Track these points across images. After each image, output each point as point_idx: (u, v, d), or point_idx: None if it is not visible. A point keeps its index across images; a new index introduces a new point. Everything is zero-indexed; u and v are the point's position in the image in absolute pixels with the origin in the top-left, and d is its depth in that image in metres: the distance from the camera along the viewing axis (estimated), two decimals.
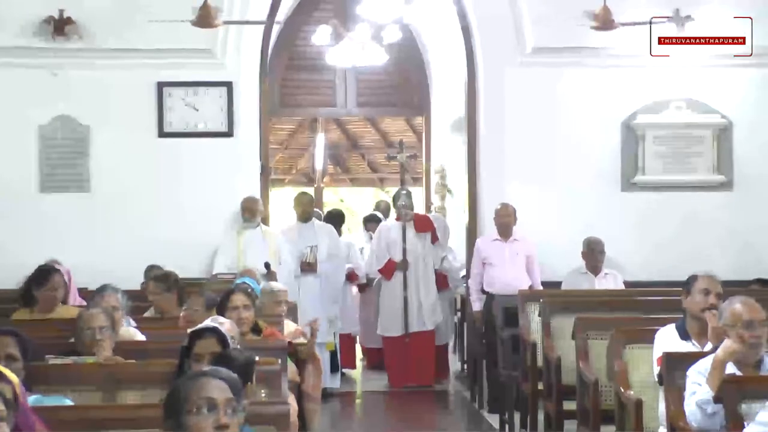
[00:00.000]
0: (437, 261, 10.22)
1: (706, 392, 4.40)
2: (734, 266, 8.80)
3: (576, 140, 9.44)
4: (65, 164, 9.30)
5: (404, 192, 10.27)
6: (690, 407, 4.48)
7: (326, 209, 12.70)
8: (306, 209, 9.96)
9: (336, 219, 10.88)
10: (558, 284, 8.89)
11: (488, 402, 8.96)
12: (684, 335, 5.22)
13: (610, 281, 8.89)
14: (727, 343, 4.47)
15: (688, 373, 4.61)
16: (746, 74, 9.50)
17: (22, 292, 6.75)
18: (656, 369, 5.18)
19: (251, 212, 9.12)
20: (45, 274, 6.69)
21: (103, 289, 6.14)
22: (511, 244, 9.02)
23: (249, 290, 6.41)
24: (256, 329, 6.03)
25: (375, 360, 11.05)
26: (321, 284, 9.65)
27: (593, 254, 8.87)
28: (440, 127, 13.74)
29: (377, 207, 12.97)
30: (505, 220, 9.01)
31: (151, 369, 4.82)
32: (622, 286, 8.87)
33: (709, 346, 4.85)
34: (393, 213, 10.67)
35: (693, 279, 5.33)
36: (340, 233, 10.56)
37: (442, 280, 10.31)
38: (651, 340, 5.37)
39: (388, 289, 10.08)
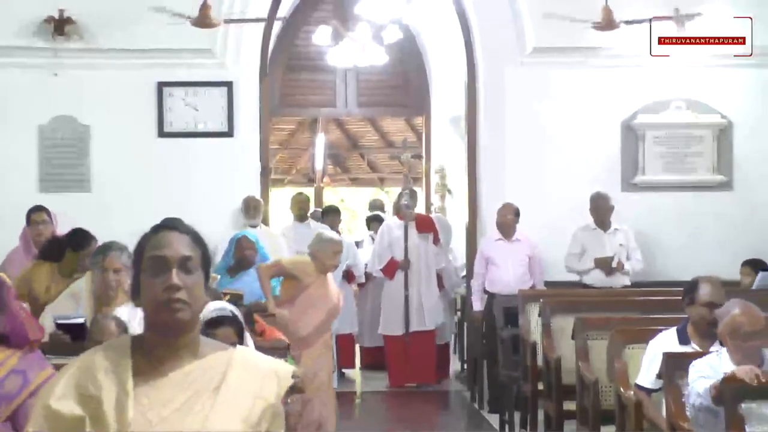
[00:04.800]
0: (438, 262, 10.22)
1: (707, 388, 4.37)
2: (734, 266, 8.79)
3: (576, 140, 9.44)
4: (65, 164, 9.31)
5: (407, 191, 10.27)
6: (691, 397, 4.46)
7: None
8: (302, 210, 9.97)
9: (332, 215, 10.89)
10: (558, 284, 8.89)
11: (488, 402, 8.97)
12: (684, 340, 5.11)
13: (620, 237, 8.91)
14: (743, 370, 4.27)
15: (693, 363, 4.55)
16: (746, 74, 9.51)
17: (52, 246, 6.69)
18: (646, 375, 5.14)
19: (256, 209, 9.16)
20: (86, 237, 6.65)
21: (108, 248, 5.82)
22: (514, 244, 9.03)
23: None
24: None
25: (372, 359, 11.05)
26: None
27: (599, 210, 8.92)
28: (440, 127, 13.74)
29: (371, 206, 12.97)
30: (507, 219, 9.01)
31: None
32: (633, 241, 8.92)
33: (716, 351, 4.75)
34: (389, 211, 10.67)
35: (695, 286, 5.12)
36: (338, 231, 10.56)
37: (438, 281, 10.31)
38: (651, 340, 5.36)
39: (389, 288, 10.08)
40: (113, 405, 2.37)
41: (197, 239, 2.54)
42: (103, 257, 5.74)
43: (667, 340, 5.17)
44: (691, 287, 5.14)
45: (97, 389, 2.38)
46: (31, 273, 6.61)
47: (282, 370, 2.51)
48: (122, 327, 5.18)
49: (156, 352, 2.44)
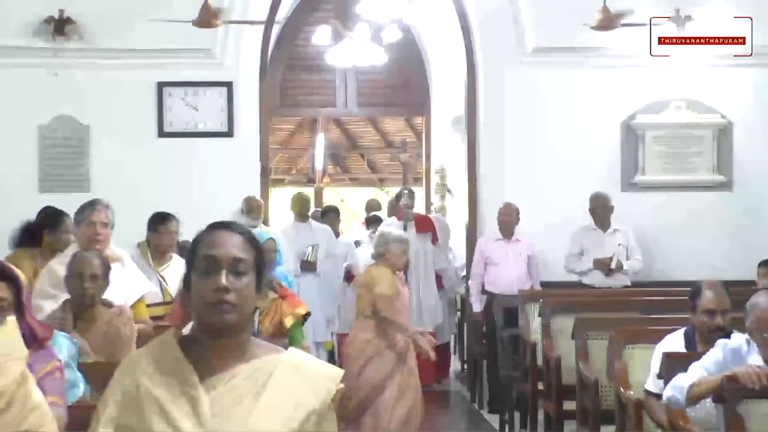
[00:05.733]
0: (437, 262, 10.22)
1: (688, 379, 4.34)
2: (734, 266, 8.80)
3: (576, 140, 9.44)
4: (65, 164, 9.30)
5: (406, 191, 10.27)
6: (671, 386, 4.44)
7: None
8: (303, 209, 9.98)
9: (332, 214, 10.89)
10: (558, 284, 8.89)
11: (488, 402, 8.97)
12: (691, 345, 5.03)
13: (619, 237, 8.92)
14: (749, 371, 4.18)
15: (718, 343, 4.48)
16: (746, 74, 9.51)
17: (27, 231, 6.61)
18: (656, 380, 5.05)
19: (258, 211, 9.15)
20: (59, 214, 6.57)
21: (93, 204, 5.79)
22: (514, 244, 9.03)
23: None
24: (270, 286, 5.97)
25: None
26: (319, 284, 9.65)
27: (598, 210, 8.93)
28: (440, 127, 13.74)
29: (368, 207, 12.97)
30: (507, 219, 9.01)
31: None
32: (633, 241, 8.92)
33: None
34: (386, 210, 10.66)
35: (697, 293, 4.99)
36: (337, 231, 10.57)
37: (437, 281, 10.31)
38: (651, 340, 5.33)
39: None
40: (184, 402, 2.34)
41: (251, 241, 2.51)
42: (90, 211, 5.72)
43: (674, 344, 5.10)
44: (693, 293, 5.03)
45: (156, 394, 2.36)
46: (13, 261, 6.54)
47: (331, 375, 2.47)
48: (106, 264, 5.06)
49: (204, 353, 2.42)
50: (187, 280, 2.48)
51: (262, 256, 2.52)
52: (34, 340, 3.47)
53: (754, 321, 4.41)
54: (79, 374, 4.08)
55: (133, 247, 6.84)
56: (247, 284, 2.43)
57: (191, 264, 2.48)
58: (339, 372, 2.49)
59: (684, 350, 5.02)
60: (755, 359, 4.41)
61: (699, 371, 4.42)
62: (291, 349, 2.52)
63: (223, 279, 2.40)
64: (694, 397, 4.36)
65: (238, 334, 2.43)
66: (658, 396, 5.05)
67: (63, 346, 4.10)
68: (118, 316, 5.01)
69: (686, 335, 5.10)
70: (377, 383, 6.83)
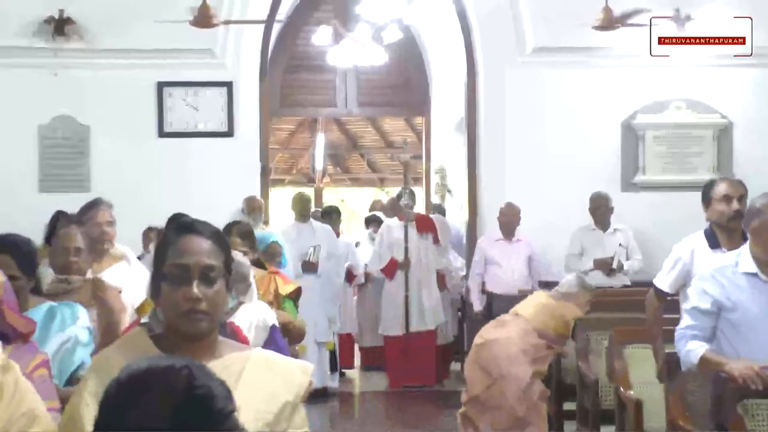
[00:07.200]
0: (439, 262, 10.22)
1: (697, 352, 4.28)
2: None
3: (576, 140, 9.44)
4: (65, 164, 9.31)
5: (407, 191, 10.27)
6: (680, 340, 4.35)
7: None
8: (304, 209, 9.97)
9: (332, 215, 10.88)
10: (557, 284, 8.87)
11: None
12: (714, 243, 4.90)
13: (619, 237, 8.93)
14: (747, 372, 4.10)
15: (713, 273, 4.29)
16: (746, 74, 9.51)
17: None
18: (666, 277, 5.03)
19: (259, 211, 9.16)
20: (67, 215, 6.57)
21: (97, 204, 5.75)
22: (514, 245, 9.04)
23: (247, 230, 6.16)
24: (259, 264, 5.97)
25: (371, 360, 11.04)
26: (320, 284, 9.65)
27: (599, 210, 8.93)
28: (440, 127, 13.74)
29: (372, 208, 12.97)
30: (510, 219, 9.04)
31: None
32: (633, 242, 8.94)
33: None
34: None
35: (710, 186, 4.94)
36: (338, 231, 10.56)
37: (440, 281, 10.31)
38: (651, 340, 5.34)
39: (389, 289, 10.08)
40: None
41: (220, 242, 2.48)
42: (95, 211, 5.68)
43: (695, 244, 4.97)
44: (706, 188, 4.96)
45: None
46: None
47: (303, 368, 2.48)
48: (91, 239, 5.04)
49: (175, 351, 2.40)
50: (154, 286, 2.45)
51: (230, 256, 2.50)
52: (18, 336, 3.46)
53: (758, 223, 4.18)
54: (92, 346, 4.05)
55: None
56: (218, 290, 2.41)
57: (159, 268, 2.43)
58: (310, 366, 2.51)
59: (708, 251, 4.90)
60: (745, 263, 4.25)
61: (690, 318, 4.33)
62: (257, 348, 2.54)
63: (195, 289, 2.37)
64: (705, 371, 4.36)
65: (208, 336, 2.45)
66: (665, 294, 5.10)
67: (77, 311, 4.07)
68: (107, 290, 4.99)
69: (706, 234, 4.97)
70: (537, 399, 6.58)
